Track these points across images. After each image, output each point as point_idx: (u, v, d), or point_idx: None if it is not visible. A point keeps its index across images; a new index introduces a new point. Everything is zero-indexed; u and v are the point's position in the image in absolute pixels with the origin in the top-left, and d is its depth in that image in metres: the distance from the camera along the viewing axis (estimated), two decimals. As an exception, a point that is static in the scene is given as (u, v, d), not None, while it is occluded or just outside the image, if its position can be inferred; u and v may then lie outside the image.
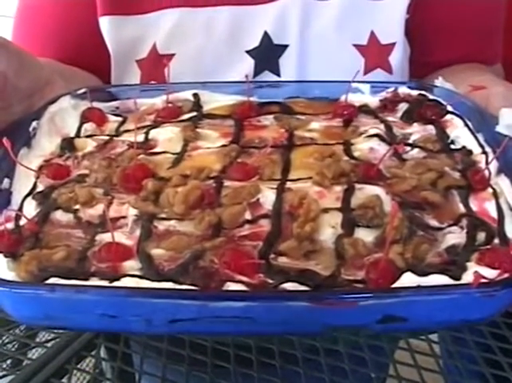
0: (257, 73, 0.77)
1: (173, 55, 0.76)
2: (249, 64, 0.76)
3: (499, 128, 0.59)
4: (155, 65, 0.76)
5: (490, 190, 0.55)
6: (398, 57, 0.77)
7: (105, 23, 0.76)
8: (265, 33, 0.76)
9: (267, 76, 0.77)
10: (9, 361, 0.59)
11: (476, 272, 0.46)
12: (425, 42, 0.80)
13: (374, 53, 0.76)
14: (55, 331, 0.56)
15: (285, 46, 0.76)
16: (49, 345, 0.56)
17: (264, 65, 0.76)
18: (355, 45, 0.76)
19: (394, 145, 0.57)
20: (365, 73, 0.76)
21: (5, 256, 0.50)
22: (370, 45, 0.76)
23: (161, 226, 0.52)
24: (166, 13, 0.75)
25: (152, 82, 0.77)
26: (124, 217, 0.53)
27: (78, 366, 0.55)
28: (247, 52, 0.76)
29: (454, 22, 0.80)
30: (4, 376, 0.55)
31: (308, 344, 0.55)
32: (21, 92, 0.62)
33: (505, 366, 0.53)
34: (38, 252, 0.50)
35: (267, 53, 0.77)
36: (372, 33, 0.76)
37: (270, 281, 0.48)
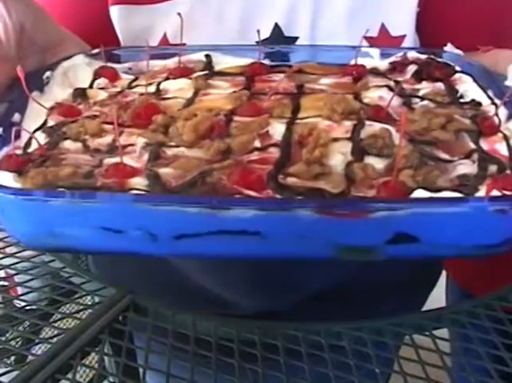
0: None
1: (183, 45, 0.77)
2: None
3: (508, 83, 0.59)
4: None
5: (500, 134, 0.55)
6: None
7: (116, 12, 0.76)
8: (276, 25, 0.77)
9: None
10: (13, 358, 0.59)
11: (489, 184, 0.46)
12: (435, 35, 0.80)
13: (384, 45, 0.77)
14: (60, 327, 0.55)
15: (296, 38, 0.77)
16: (53, 340, 0.55)
17: (274, 56, 0.76)
18: (365, 38, 0.77)
19: (403, 83, 0.58)
20: None
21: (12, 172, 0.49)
22: (380, 37, 0.76)
23: (169, 152, 0.52)
24: (177, 3, 0.76)
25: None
26: (132, 145, 0.53)
27: (83, 362, 0.53)
28: (258, 43, 0.77)
29: (465, 16, 0.80)
30: (8, 372, 0.53)
31: (312, 339, 0.54)
32: (36, 45, 0.63)
33: (508, 362, 0.51)
34: (45, 169, 0.49)
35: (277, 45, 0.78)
36: (383, 25, 0.77)
37: (278, 196, 0.47)
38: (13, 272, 0.62)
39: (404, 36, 0.77)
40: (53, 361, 0.51)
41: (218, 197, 0.46)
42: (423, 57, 0.67)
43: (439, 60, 0.66)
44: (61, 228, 0.48)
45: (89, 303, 0.58)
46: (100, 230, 0.47)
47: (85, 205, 0.46)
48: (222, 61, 0.68)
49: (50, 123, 0.57)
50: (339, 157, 0.51)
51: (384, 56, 0.69)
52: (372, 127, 0.54)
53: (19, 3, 0.60)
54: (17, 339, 0.60)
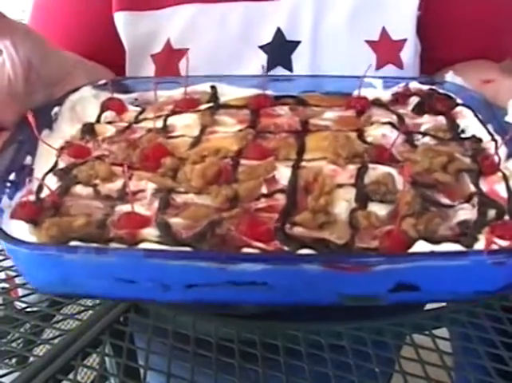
0: (269, 68, 0.78)
1: (187, 50, 0.78)
2: (262, 59, 0.77)
3: (508, 118, 0.61)
4: (169, 60, 0.77)
5: (499, 174, 0.57)
6: (409, 53, 0.78)
7: (120, 18, 0.77)
8: (278, 29, 0.77)
9: (280, 71, 0.78)
10: (14, 359, 0.59)
11: (488, 237, 0.47)
12: (435, 39, 0.81)
13: (385, 49, 0.78)
14: (61, 328, 0.57)
15: (298, 42, 0.77)
16: (55, 342, 0.57)
17: (277, 60, 0.78)
18: (367, 41, 0.78)
19: (406, 128, 0.59)
20: (377, 68, 0.77)
21: (27, 222, 0.51)
22: (381, 40, 0.77)
23: (179, 198, 0.53)
24: (180, 8, 0.77)
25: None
26: (142, 191, 0.54)
27: (84, 363, 0.55)
28: (260, 47, 0.77)
29: (465, 19, 0.81)
30: (10, 373, 0.55)
31: (312, 339, 0.55)
32: (43, 79, 0.64)
33: (507, 360, 0.53)
34: (59, 219, 0.51)
35: (280, 49, 0.78)
36: (384, 29, 0.77)
37: (286, 248, 0.49)
38: (13, 274, 0.63)
39: (405, 40, 0.78)
40: (55, 361, 0.53)
41: (227, 252, 0.48)
42: (425, 87, 0.68)
43: (441, 91, 0.67)
44: (75, 278, 0.50)
45: (90, 304, 0.60)
46: (113, 280, 0.49)
47: (99, 259, 0.48)
48: (227, 92, 0.69)
49: (61, 164, 0.58)
50: (343, 205, 0.52)
51: (386, 83, 0.69)
52: (376, 170, 0.55)
53: (27, 39, 0.61)
54: (19, 341, 0.60)
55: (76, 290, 0.51)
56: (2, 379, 0.55)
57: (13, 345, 0.57)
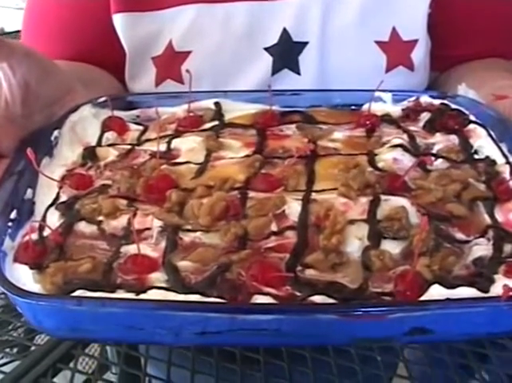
0: (275, 70, 0.75)
1: (190, 52, 0.75)
2: (267, 61, 0.75)
3: None
4: (170, 63, 0.75)
5: (514, 201, 0.55)
6: (420, 54, 0.76)
7: (119, 20, 0.75)
8: (285, 30, 0.74)
9: (286, 74, 0.76)
10: (16, 349, 0.59)
11: (506, 285, 0.46)
12: (446, 36, 0.78)
13: (396, 50, 0.75)
14: None
15: (305, 43, 0.75)
16: None
17: (283, 62, 0.75)
18: (376, 42, 0.75)
19: (421, 157, 0.57)
20: (387, 70, 0.75)
21: (31, 268, 0.49)
22: (392, 41, 0.75)
23: (186, 237, 0.52)
24: (182, 9, 0.74)
25: (169, 80, 0.76)
26: (148, 229, 0.53)
27: (85, 351, 0.55)
28: (266, 49, 0.75)
29: (476, 17, 0.78)
30: (12, 361, 0.55)
31: None
32: (42, 100, 0.62)
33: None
34: (63, 264, 0.49)
35: (286, 51, 0.75)
36: (394, 29, 0.75)
37: (298, 293, 0.47)
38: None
39: (416, 40, 0.76)
40: (55, 350, 0.54)
41: (238, 303, 0.47)
42: (436, 102, 0.66)
43: (453, 107, 0.65)
44: (83, 326, 0.49)
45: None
46: (122, 328, 0.48)
47: (106, 310, 0.47)
48: (232, 108, 0.67)
49: (63, 197, 0.57)
50: (356, 243, 0.51)
51: (396, 96, 0.67)
52: (388, 202, 0.54)
53: (24, 61, 0.59)
54: (20, 330, 0.60)
55: (86, 336, 0.50)
56: (3, 368, 0.55)
57: (15, 334, 0.58)
